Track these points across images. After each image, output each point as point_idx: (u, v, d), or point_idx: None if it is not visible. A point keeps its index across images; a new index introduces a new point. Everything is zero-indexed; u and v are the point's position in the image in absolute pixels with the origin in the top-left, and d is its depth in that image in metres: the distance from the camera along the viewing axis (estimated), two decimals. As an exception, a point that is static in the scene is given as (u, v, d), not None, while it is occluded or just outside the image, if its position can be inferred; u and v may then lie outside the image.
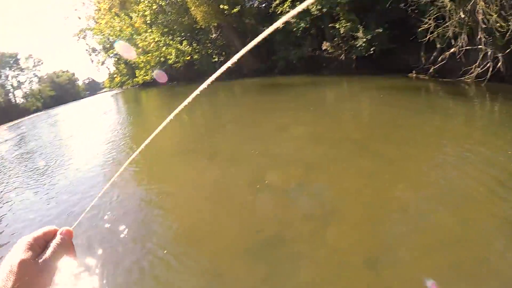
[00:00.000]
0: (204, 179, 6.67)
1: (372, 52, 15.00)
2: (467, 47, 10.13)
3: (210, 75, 0.74)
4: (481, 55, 9.69)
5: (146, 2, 32.04)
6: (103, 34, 43.77)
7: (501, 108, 7.95)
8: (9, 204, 7.93)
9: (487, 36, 9.46)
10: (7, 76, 65.71)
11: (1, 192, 9.45)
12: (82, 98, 73.83)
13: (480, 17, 9.29)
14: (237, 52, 0.73)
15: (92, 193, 6.75)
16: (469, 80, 10.24)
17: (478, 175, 4.45)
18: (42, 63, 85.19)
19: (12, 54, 66.46)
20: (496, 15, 8.80)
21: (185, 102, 0.79)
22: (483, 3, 9.07)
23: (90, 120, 24.40)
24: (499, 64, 9.33)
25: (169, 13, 31.10)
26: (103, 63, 53.87)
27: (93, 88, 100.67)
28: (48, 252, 0.71)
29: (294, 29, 19.29)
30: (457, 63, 10.60)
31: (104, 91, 74.27)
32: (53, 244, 0.73)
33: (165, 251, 4.29)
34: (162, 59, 34.11)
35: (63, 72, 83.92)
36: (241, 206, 5.15)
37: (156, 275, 3.84)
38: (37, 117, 45.78)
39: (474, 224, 3.49)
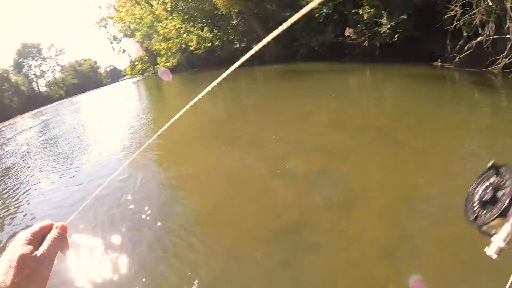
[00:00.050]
0: (225, 163, 6.96)
1: (396, 39, 14.90)
2: (495, 36, 10.03)
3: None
4: (509, 45, 9.59)
5: (166, -11, 32.32)
6: (124, 22, 44.46)
7: (528, 100, 7.78)
8: (36, 188, 8.54)
9: (515, 25, 9.30)
10: (30, 66, 68.57)
11: (29, 175, 10.14)
12: (104, 86, 75.24)
13: (508, 5, 9.21)
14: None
15: (111, 179, 7.06)
16: (495, 70, 10.12)
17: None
18: (64, 52, 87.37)
19: (34, 44, 69.07)
20: (525, 4, 8.67)
21: (209, 88, 0.85)
22: (512, -9, 8.95)
23: (112, 106, 25.11)
24: (528, 54, 9.17)
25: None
26: (124, 50, 54.80)
27: (114, 75, 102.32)
28: (46, 245, 0.74)
29: (317, 14, 19.19)
30: (484, 52, 10.47)
31: (126, 79, 75.33)
32: (50, 238, 0.76)
33: (187, 233, 4.60)
34: (183, 45, 34.50)
35: (85, 60, 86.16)
36: (262, 191, 5.37)
37: (179, 255, 4.14)
38: (60, 104, 47.22)
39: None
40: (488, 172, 0.72)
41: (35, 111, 47.08)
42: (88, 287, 4.05)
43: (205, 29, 31.64)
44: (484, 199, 0.66)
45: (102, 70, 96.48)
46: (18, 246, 0.71)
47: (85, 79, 79.34)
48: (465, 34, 11.47)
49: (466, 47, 11.42)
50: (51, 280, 0.69)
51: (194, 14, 32.29)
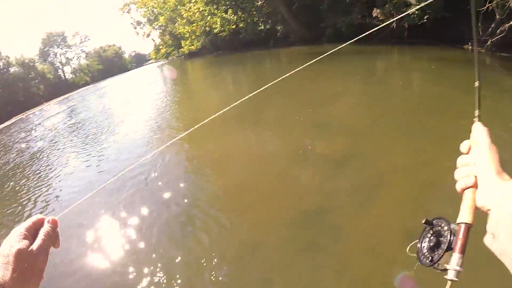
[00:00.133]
0: (249, 145, 7.31)
1: (425, 20, 14.58)
2: (529, 19, 9.67)
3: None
4: (543, 29, 9.26)
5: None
6: (147, 7, 44.88)
7: None
8: (65, 170, 9.29)
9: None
10: (55, 54, 71.84)
11: (60, 156, 10.88)
12: (129, 71, 76.67)
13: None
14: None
15: (141, 159, 7.58)
16: (528, 55, 9.78)
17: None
18: (89, 39, 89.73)
19: (59, 32, 72.06)
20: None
21: (280, 78, 0.89)
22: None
23: (137, 90, 25.72)
24: None
25: (213, -18, 31.32)
26: (148, 35, 55.60)
27: (139, 60, 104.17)
28: (40, 239, 0.78)
29: (343, -5, 18.91)
30: (517, 36, 10.10)
31: (150, 63, 76.47)
32: (43, 231, 0.80)
33: (214, 210, 4.95)
34: (207, 28, 34.68)
35: (110, 46, 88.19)
36: (285, 174, 5.61)
37: (206, 230, 4.50)
38: (86, 90, 48.71)
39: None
40: (426, 228, 0.87)
41: (61, 97, 48.82)
42: (125, 256, 4.60)
43: (229, 11, 31.68)
44: (431, 245, 0.81)
45: (126, 55, 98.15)
46: (15, 242, 0.74)
47: (110, 65, 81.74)
48: (498, 16, 11.11)
49: (498, 31, 11.11)
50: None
51: (217, -4, 32.36)
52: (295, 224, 4.15)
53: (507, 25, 10.72)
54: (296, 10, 24.53)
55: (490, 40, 11.45)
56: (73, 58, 75.49)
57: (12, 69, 55.84)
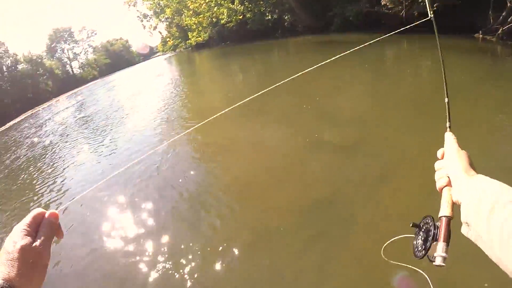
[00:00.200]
0: (257, 135, 7.40)
1: (435, 8, 14.48)
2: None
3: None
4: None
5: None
6: (153, 0, 45.03)
7: None
8: (76, 163, 9.68)
9: None
10: (63, 50, 72.43)
11: (72, 147, 11.29)
12: (137, 64, 76.95)
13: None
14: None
15: (150, 151, 7.73)
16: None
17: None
18: (95, 34, 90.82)
19: (65, 28, 72.75)
20: None
21: (304, 72, 0.95)
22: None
23: (145, 83, 25.93)
24: None
25: (219, -28, 31.33)
26: (155, 28, 55.75)
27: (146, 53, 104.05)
28: (42, 234, 0.78)
29: (351, -17, 18.84)
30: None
31: (158, 55, 76.71)
32: (45, 226, 0.80)
33: (226, 197, 5.11)
34: (214, 19, 34.76)
35: (117, 40, 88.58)
36: (293, 164, 5.69)
37: (211, 223, 4.61)
38: (94, 84, 49.06)
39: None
40: (415, 231, 1.01)
41: (70, 92, 49.22)
42: (138, 237, 4.83)
43: (236, 1, 31.67)
44: (423, 240, 0.93)
45: (134, 49, 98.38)
46: (18, 239, 0.75)
47: (117, 58, 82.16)
48: (509, 4, 10.97)
49: (510, 19, 10.94)
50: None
51: (224, -14, 32.35)
52: (305, 212, 4.21)
53: (518, 13, 10.56)
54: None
55: (501, 29, 11.27)
56: (80, 53, 76.20)
57: (20, 66, 56.60)
